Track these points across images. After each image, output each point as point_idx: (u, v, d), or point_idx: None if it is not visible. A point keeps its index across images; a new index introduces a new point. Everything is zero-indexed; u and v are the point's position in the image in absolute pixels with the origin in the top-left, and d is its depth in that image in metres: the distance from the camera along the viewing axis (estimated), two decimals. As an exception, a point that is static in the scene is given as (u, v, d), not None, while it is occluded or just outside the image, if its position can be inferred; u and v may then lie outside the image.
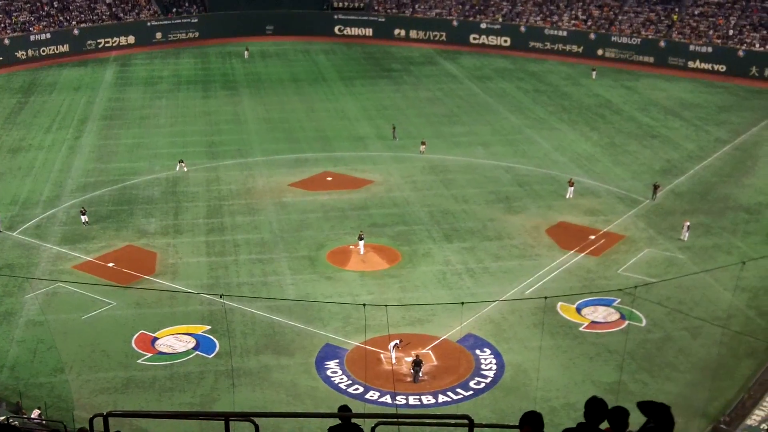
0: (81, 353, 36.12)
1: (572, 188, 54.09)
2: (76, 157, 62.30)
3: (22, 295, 41.08)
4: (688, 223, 48.12)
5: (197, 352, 36.18)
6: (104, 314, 39.35)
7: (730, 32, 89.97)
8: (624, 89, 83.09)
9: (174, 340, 37.17)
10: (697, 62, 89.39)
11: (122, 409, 29.48)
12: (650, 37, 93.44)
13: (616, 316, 39.27)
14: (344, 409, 8.38)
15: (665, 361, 35.82)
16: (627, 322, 38.54)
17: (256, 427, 10.36)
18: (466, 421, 7.84)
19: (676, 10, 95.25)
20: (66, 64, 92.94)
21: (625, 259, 45.26)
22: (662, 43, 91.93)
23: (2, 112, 74.62)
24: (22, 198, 54.00)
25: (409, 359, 35.07)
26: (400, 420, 9.16)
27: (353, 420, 8.37)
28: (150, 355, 36.05)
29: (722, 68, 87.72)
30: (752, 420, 30.75)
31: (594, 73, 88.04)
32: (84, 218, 49.40)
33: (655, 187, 54.19)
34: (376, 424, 8.17)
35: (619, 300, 40.14)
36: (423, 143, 63.43)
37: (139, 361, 35.58)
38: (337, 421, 8.34)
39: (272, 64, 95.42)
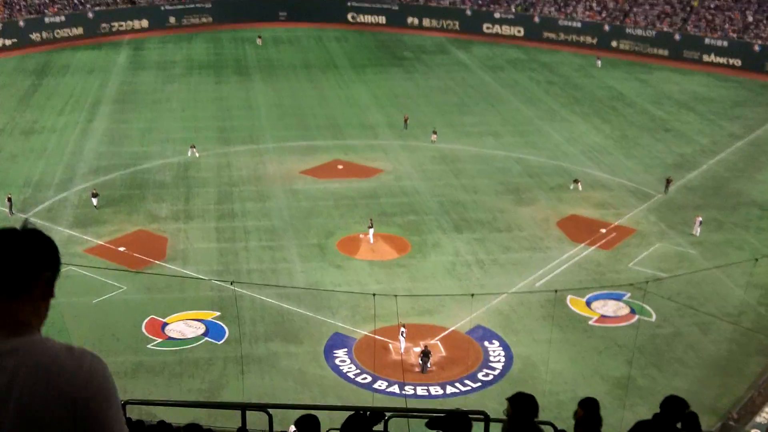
0: (91, 336, 36.20)
1: (577, 184, 53.61)
2: (89, 140, 62.38)
3: (33, 278, 41.12)
4: (700, 218, 47.91)
5: (206, 338, 36.31)
6: (115, 298, 39.52)
7: (748, 24, 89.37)
8: (637, 82, 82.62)
9: (184, 326, 37.30)
10: (712, 56, 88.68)
11: (131, 393, 29.59)
12: (665, 29, 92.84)
13: (626, 311, 39.19)
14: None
15: (675, 356, 35.77)
16: (637, 316, 38.45)
17: (270, 417, 10.40)
18: (481, 417, 7.77)
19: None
20: (80, 47, 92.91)
21: (636, 253, 45.13)
22: (677, 36, 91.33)
23: (16, 93, 74.72)
24: (35, 180, 54.11)
25: (418, 349, 35.11)
26: (415, 414, 9.13)
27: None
28: (160, 340, 36.18)
29: (737, 62, 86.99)
30: (762, 417, 30.69)
31: (599, 62, 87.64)
32: (95, 201, 49.51)
33: (668, 181, 53.96)
34: (389, 417, 8.14)
35: (629, 294, 40.04)
36: (434, 132, 63.27)
37: (148, 346, 35.71)
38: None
39: (284, 50, 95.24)
